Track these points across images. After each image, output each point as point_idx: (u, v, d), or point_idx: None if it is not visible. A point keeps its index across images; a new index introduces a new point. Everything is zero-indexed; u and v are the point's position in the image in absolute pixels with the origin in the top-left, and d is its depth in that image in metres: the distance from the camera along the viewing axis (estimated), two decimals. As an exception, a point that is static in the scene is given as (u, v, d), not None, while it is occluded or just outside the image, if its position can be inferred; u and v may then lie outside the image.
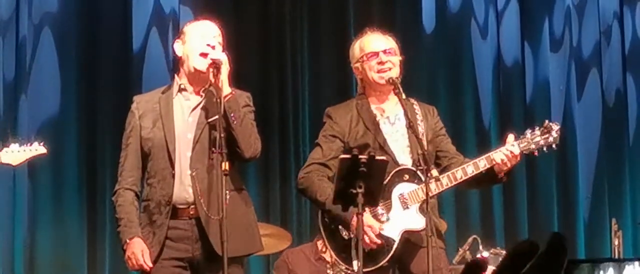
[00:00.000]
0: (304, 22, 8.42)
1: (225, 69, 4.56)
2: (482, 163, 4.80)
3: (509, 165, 4.78)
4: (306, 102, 8.27)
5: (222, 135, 4.43)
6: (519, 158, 4.81)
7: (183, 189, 4.57)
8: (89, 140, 7.69)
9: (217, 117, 4.47)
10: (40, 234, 7.47)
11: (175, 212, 4.58)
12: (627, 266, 6.62)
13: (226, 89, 4.55)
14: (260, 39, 8.28)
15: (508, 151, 4.78)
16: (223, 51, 4.65)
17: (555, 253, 2.34)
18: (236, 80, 4.70)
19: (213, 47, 4.61)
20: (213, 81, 4.55)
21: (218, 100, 4.49)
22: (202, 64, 4.60)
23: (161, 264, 4.58)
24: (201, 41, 4.63)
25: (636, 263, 6.66)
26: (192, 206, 4.57)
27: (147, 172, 4.65)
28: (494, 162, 4.78)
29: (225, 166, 4.38)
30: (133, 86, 7.51)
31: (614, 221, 7.70)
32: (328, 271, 6.49)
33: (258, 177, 7.92)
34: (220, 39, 4.69)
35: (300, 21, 8.41)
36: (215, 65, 4.55)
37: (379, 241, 4.75)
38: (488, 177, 4.85)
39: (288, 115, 8.28)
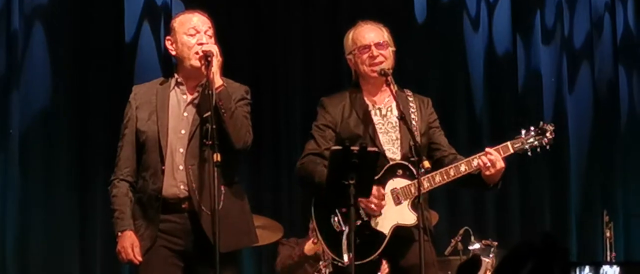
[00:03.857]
0: (295, 12, 8.41)
1: (216, 60, 4.57)
2: (462, 167, 4.82)
3: (492, 171, 4.78)
4: (298, 94, 8.28)
5: (214, 127, 4.45)
6: (501, 165, 4.80)
7: (174, 184, 4.59)
8: (81, 132, 7.69)
9: (209, 113, 4.48)
10: (31, 228, 7.47)
11: (167, 206, 4.59)
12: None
13: (217, 81, 4.56)
14: (252, 30, 8.27)
15: (485, 156, 4.79)
16: (214, 43, 4.66)
17: (552, 254, 2.33)
18: (227, 72, 4.71)
19: (204, 44, 4.63)
20: (204, 72, 4.56)
21: (210, 92, 4.50)
22: (196, 63, 4.62)
23: (155, 255, 4.59)
24: (193, 39, 4.63)
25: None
26: (185, 201, 4.58)
27: (141, 165, 4.67)
28: (472, 167, 4.80)
29: (217, 157, 4.38)
30: (125, 78, 7.50)
31: (605, 212, 7.72)
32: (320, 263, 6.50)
33: (250, 169, 7.92)
34: (210, 31, 4.69)
35: (292, 11, 8.40)
36: (206, 57, 4.56)
37: (382, 204, 4.76)
38: (476, 182, 4.87)
39: (280, 106, 8.28)
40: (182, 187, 4.58)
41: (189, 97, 4.68)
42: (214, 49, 4.59)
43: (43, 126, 7.57)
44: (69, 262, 7.54)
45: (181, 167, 4.58)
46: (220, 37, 4.76)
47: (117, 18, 7.85)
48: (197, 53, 4.60)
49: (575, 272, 6.54)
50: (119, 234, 4.62)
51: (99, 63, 7.78)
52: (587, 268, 6.69)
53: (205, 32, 4.66)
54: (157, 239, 4.58)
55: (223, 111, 4.52)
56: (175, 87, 4.71)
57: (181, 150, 4.60)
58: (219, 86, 4.56)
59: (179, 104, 4.68)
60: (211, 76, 4.53)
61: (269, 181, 8.18)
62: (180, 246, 4.61)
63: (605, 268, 6.74)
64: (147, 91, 4.76)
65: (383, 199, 4.77)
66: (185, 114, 4.65)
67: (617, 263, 7.00)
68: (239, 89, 4.73)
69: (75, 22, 7.77)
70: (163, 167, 4.59)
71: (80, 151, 7.66)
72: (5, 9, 7.53)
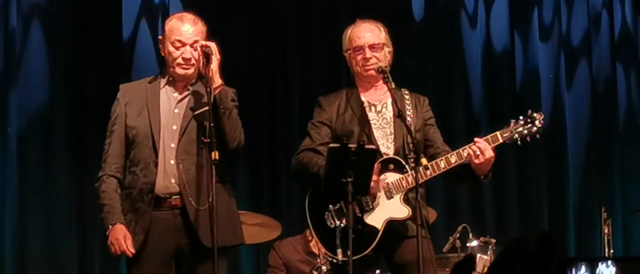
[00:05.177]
0: (293, 11, 8.40)
1: (215, 59, 4.58)
2: (453, 158, 4.82)
3: (481, 159, 4.77)
4: (296, 92, 8.27)
5: (212, 125, 4.46)
6: (490, 154, 4.79)
7: (166, 179, 4.61)
8: (79, 130, 7.69)
9: (204, 109, 4.50)
10: (30, 227, 7.46)
11: (158, 201, 4.61)
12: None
13: (217, 81, 4.57)
14: (250, 29, 8.26)
15: (475, 146, 4.79)
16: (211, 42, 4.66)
17: (545, 252, 2.34)
18: (226, 71, 4.71)
19: (188, 59, 4.63)
20: (203, 71, 4.58)
21: (209, 90, 4.51)
22: (181, 71, 4.64)
23: (145, 252, 4.60)
24: (177, 52, 4.65)
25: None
26: (175, 196, 4.60)
27: (130, 160, 4.69)
28: (463, 158, 4.80)
29: (215, 155, 4.40)
30: (123, 76, 7.48)
31: (603, 209, 7.71)
32: (318, 261, 6.50)
33: (248, 167, 7.92)
34: (198, 42, 4.66)
35: (290, 10, 8.40)
36: (205, 53, 4.57)
37: (381, 178, 4.77)
38: (466, 173, 4.86)
39: (277, 104, 8.28)
40: (172, 181, 4.60)
41: (179, 95, 4.71)
42: (213, 46, 4.60)
43: (41, 124, 7.56)
44: (68, 261, 7.53)
45: (172, 162, 4.61)
46: (218, 35, 4.76)
47: (115, 16, 7.84)
48: (179, 65, 4.63)
49: (572, 269, 6.54)
50: (110, 227, 4.63)
51: (97, 61, 7.78)
52: (583, 266, 6.69)
53: (191, 45, 4.65)
54: (149, 233, 4.59)
55: (222, 110, 4.53)
56: (166, 86, 4.73)
57: (172, 145, 4.62)
58: (219, 86, 4.58)
59: (170, 101, 4.70)
60: (211, 74, 4.55)
61: (267, 179, 8.18)
62: (170, 242, 4.62)
63: (602, 264, 6.74)
64: (136, 88, 4.80)
65: (379, 175, 4.78)
66: (177, 110, 4.68)
67: (613, 259, 7.01)
68: (228, 91, 4.75)
69: (73, 21, 7.77)
70: (157, 161, 4.60)
71: (78, 149, 7.65)
72: (2, 7, 7.53)
